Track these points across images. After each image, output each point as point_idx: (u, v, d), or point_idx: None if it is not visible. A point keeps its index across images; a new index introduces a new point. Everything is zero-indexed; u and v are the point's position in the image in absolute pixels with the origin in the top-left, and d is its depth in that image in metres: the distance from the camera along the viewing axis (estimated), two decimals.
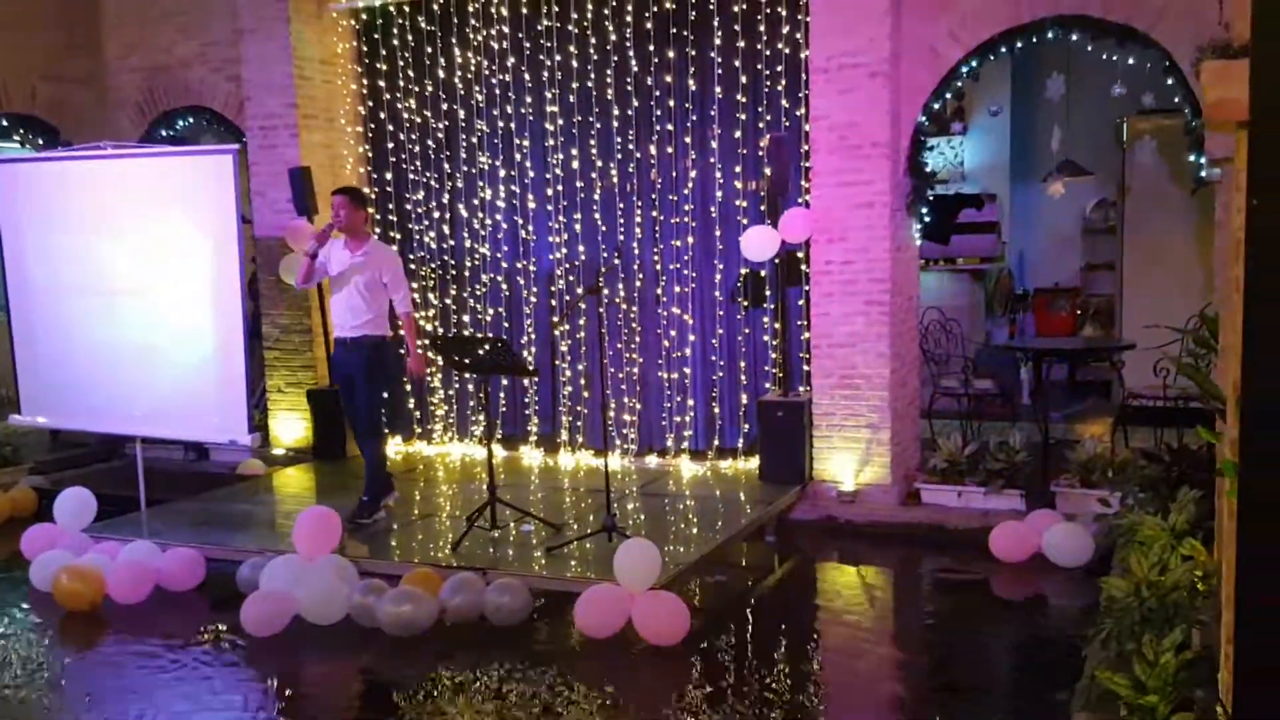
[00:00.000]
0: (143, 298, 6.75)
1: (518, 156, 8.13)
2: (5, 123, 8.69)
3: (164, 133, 9.31)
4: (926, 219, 7.23)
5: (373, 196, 8.54)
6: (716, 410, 7.71)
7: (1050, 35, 6.56)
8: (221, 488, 7.74)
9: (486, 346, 6.01)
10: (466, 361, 6.22)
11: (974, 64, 6.81)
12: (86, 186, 6.90)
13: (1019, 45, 6.67)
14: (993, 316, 10.86)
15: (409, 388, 8.53)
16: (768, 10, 7.26)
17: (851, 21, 6.71)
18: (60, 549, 5.97)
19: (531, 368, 7.55)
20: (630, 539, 5.26)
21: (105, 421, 7.19)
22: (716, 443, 7.73)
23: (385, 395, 6.70)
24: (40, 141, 8.91)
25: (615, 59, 7.72)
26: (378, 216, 8.56)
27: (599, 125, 7.82)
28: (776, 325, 7.38)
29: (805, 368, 7.28)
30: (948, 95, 7.10)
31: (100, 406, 7.03)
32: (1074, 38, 6.53)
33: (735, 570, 6.35)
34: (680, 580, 5.44)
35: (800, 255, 7.18)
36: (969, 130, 11.07)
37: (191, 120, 9.33)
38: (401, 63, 8.44)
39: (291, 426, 8.66)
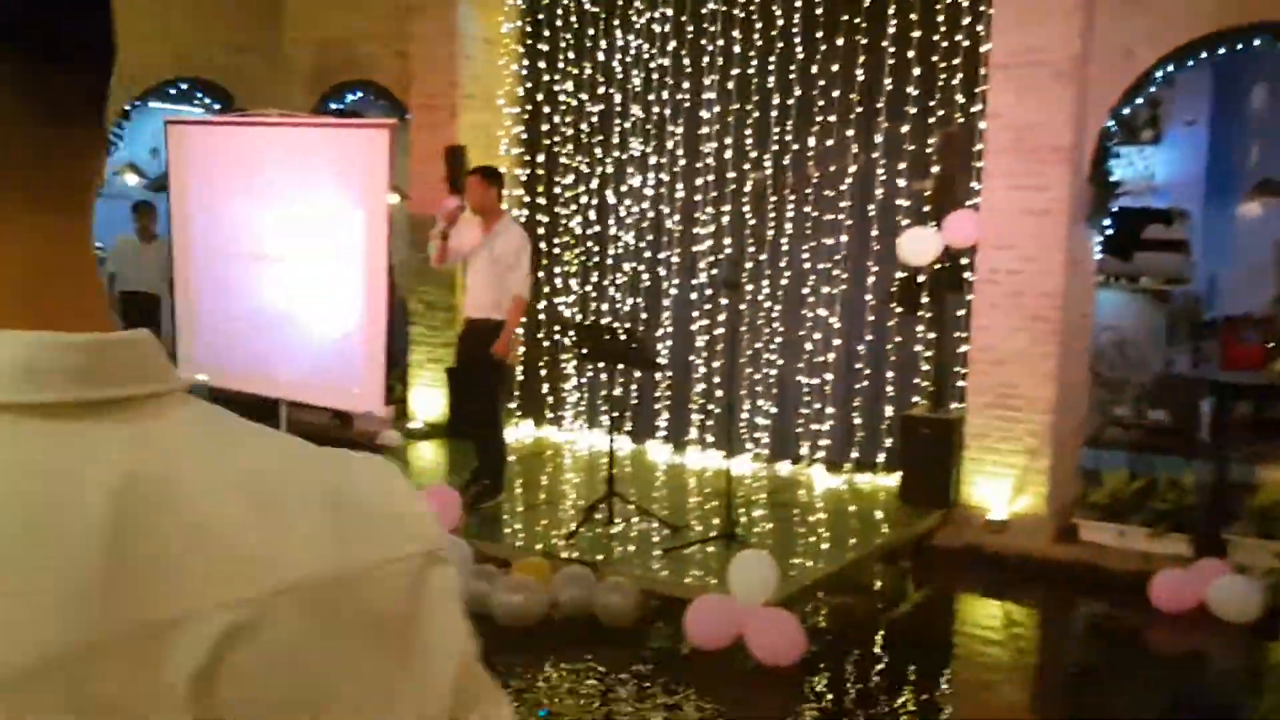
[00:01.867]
0: (295, 265, 6.87)
1: (670, 144, 7.91)
2: (185, 86, 9.06)
3: (333, 105, 9.54)
4: (1108, 232, 6.63)
5: (522, 179, 8.50)
6: (857, 421, 7.31)
7: (1257, 42, 5.88)
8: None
9: (622, 336, 5.82)
10: (593, 351, 6.04)
11: (1170, 69, 6.20)
12: (249, 152, 7.07)
13: (1221, 51, 6.02)
14: (1174, 343, 9.98)
15: (544, 371, 8.46)
16: (948, 0, 6.80)
17: (1038, 16, 6.20)
18: None
19: (661, 362, 7.33)
20: (746, 550, 4.97)
21: (254, 383, 7.37)
22: (855, 455, 7.32)
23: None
24: (217, 107, 9.27)
25: (780, 45, 7.41)
26: (526, 199, 8.51)
27: (757, 114, 7.52)
28: (931, 335, 6.92)
29: (959, 383, 6.80)
30: (1139, 101, 6.50)
31: (250, 368, 7.21)
32: None
33: (865, 593, 5.96)
34: (801, 598, 5.12)
35: (964, 262, 6.70)
36: (1161, 140, 10.20)
37: (360, 94, 9.52)
38: (563, 44, 8.35)
39: (430, 402, 8.73)
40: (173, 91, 9.05)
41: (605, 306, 8.30)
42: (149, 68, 8.69)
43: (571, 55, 8.32)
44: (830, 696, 4.55)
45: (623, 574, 5.15)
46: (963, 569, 6.29)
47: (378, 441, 8.32)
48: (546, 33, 8.43)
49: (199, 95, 9.23)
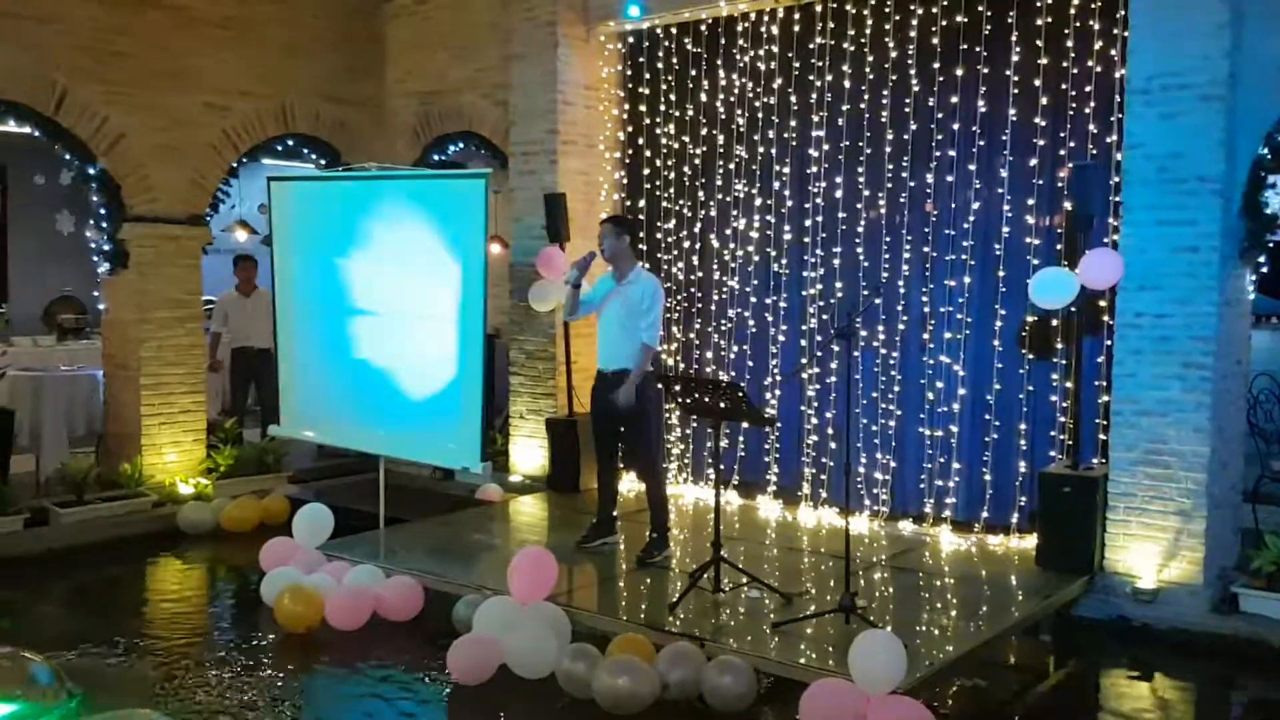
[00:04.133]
0: (393, 320, 6.76)
1: (776, 185, 7.58)
2: (291, 143, 9.14)
3: (436, 156, 9.51)
4: (1263, 269, 6.01)
5: None
6: (987, 477, 6.76)
7: None
8: (460, 511, 7.67)
9: (722, 391, 5.45)
10: (697, 403, 5.69)
11: None
12: (349, 206, 7.01)
13: None
14: None
15: None
16: (1077, 24, 6.32)
17: (1180, 37, 5.67)
18: (293, 565, 5.97)
19: (770, 416, 6.93)
20: (871, 630, 4.51)
21: (353, 438, 7.27)
22: (985, 515, 6.76)
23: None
24: (323, 162, 9.32)
25: (894, 78, 7.01)
26: None
27: (869, 150, 7.13)
28: (1067, 384, 6.35)
29: (1101, 437, 6.22)
30: None
31: (350, 423, 7.11)
32: None
33: (1000, 671, 5.42)
34: (931, 681, 4.62)
35: (1102, 304, 6.15)
36: None
37: (462, 145, 9.46)
38: (664, 86, 8.13)
39: (530, 454, 8.50)
40: (279, 148, 9.14)
41: (710, 354, 7.97)
42: (255, 126, 8.80)
43: (673, 97, 8.09)
44: None
45: (731, 650, 4.75)
46: (1109, 643, 5.72)
47: (478, 495, 8.12)
48: (647, 75, 8.23)
49: (305, 151, 9.31)
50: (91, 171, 7.94)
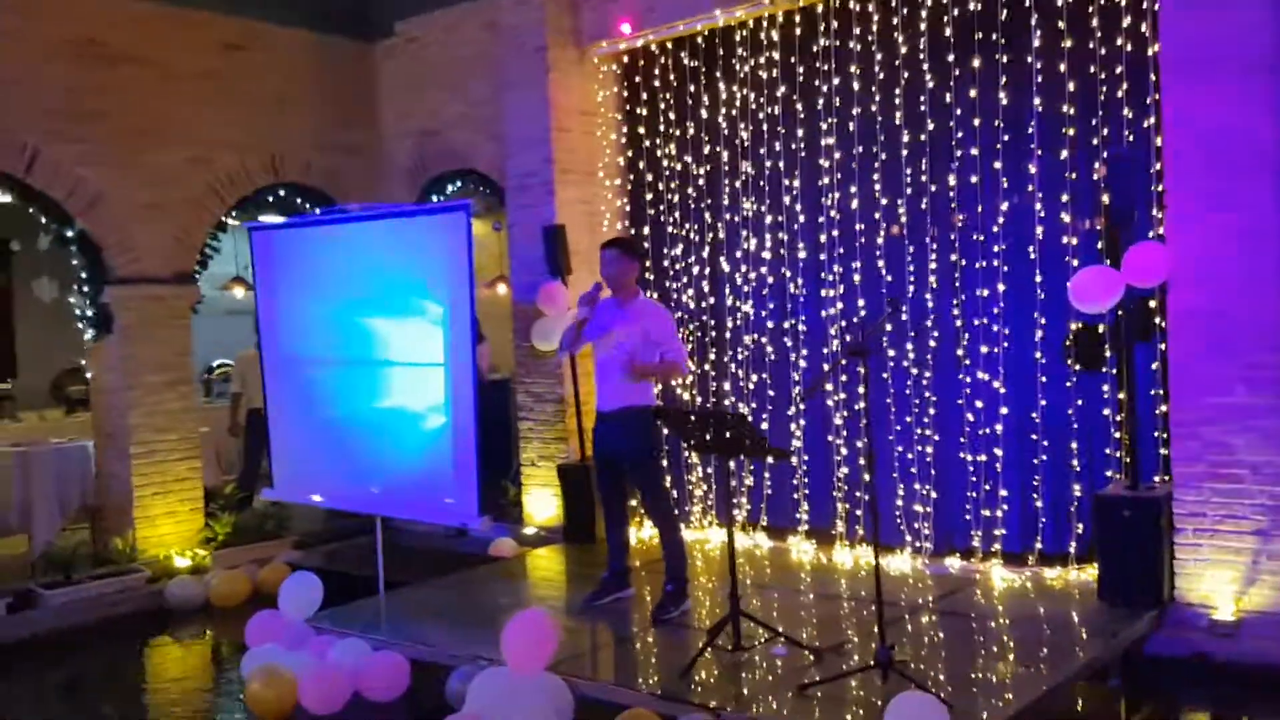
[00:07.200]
0: (380, 368, 6.32)
1: (786, 200, 7.06)
2: (283, 193, 8.81)
3: (435, 198, 9.13)
4: None
5: None
6: (1038, 504, 6.11)
7: None
8: (472, 568, 7.16)
9: (726, 423, 4.88)
10: (701, 440, 5.12)
11: None
12: (330, 252, 6.61)
13: None
14: None
15: (665, 463, 7.60)
16: (1101, 1, 5.78)
17: (1216, 4, 5.13)
18: (277, 643, 5.46)
19: (791, 449, 6.36)
20: (907, 691, 3.90)
21: (348, 498, 6.81)
22: (1039, 546, 6.11)
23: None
24: (317, 210, 8.96)
25: (905, 75, 6.49)
26: None
27: (885, 155, 6.59)
28: (1120, 395, 5.73)
29: (1162, 451, 5.57)
30: None
31: (343, 482, 6.64)
32: None
33: None
34: None
35: (1152, 304, 5.54)
36: None
37: (461, 184, 9.08)
38: (663, 105, 7.68)
39: (544, 504, 7.98)
40: (270, 199, 8.81)
41: (727, 385, 7.41)
42: (242, 178, 8.50)
43: (673, 116, 7.64)
44: None
45: (752, 719, 4.16)
46: (1187, 684, 5.07)
47: (491, 551, 7.61)
48: (644, 95, 7.79)
49: (298, 200, 8.96)
50: (69, 234, 7.63)
